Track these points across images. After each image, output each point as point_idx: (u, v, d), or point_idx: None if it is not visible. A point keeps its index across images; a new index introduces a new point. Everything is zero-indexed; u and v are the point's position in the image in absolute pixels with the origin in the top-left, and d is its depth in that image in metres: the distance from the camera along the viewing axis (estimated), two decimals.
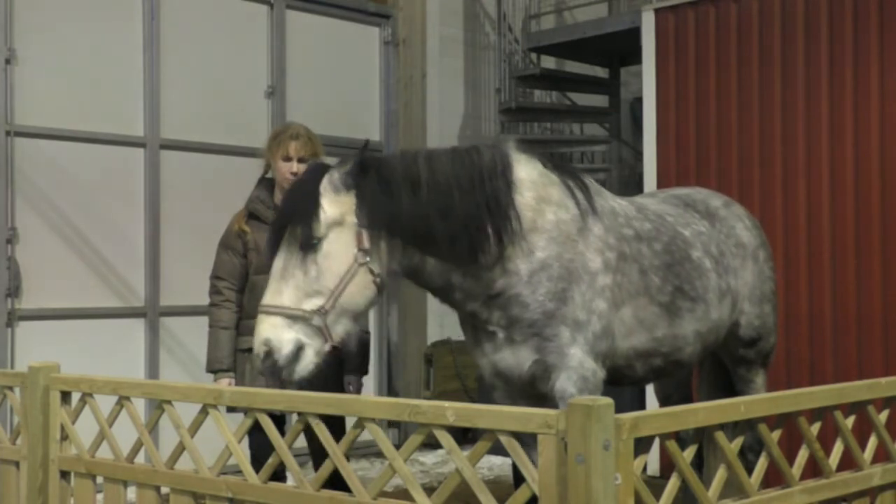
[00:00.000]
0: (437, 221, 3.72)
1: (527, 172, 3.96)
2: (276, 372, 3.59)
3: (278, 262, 3.66)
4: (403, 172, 3.77)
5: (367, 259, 3.66)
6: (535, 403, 3.87)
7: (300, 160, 4.86)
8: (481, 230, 3.76)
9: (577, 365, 3.85)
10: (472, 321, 4.02)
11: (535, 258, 3.87)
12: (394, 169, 3.78)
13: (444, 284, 3.87)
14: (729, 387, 4.94)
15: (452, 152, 3.92)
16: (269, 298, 3.63)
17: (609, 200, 4.23)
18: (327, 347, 3.65)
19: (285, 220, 3.70)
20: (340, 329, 3.67)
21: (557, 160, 4.37)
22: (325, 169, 3.79)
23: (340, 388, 4.78)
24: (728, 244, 4.66)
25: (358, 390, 4.82)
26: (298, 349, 3.59)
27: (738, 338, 4.73)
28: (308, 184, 3.75)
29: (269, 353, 3.58)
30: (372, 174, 3.72)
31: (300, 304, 3.59)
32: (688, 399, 5.06)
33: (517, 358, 3.93)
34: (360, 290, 3.67)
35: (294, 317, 3.58)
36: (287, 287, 3.61)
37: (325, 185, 3.69)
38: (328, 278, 3.62)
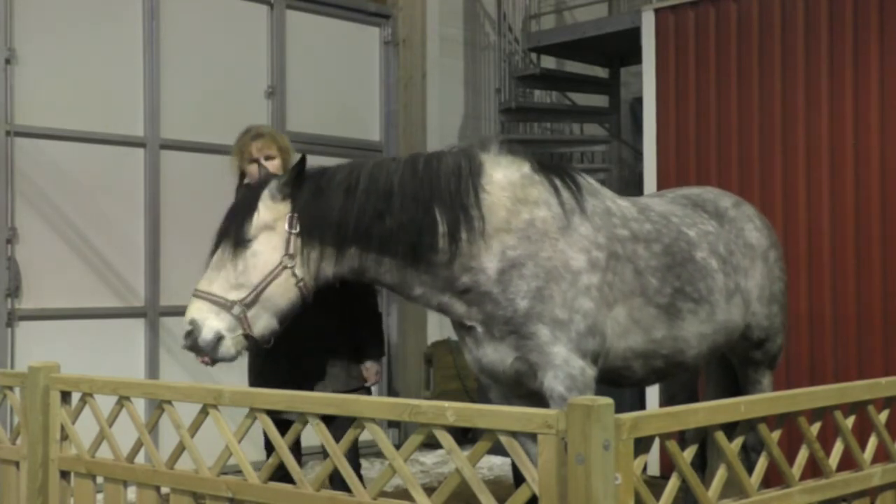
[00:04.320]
0: (373, 222, 3.89)
1: (505, 174, 4.04)
2: (194, 350, 3.92)
3: (217, 256, 3.99)
4: (339, 180, 3.98)
5: (292, 264, 3.90)
6: (529, 403, 3.88)
7: (267, 158, 4.71)
8: (427, 229, 3.88)
9: (562, 363, 3.87)
10: (450, 317, 4.13)
11: (506, 257, 3.92)
12: (330, 178, 4.00)
13: (400, 281, 4.00)
14: (735, 388, 4.91)
15: (411, 160, 4.07)
16: (201, 284, 3.96)
17: (606, 201, 4.22)
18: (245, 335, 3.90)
19: (227, 219, 4.02)
20: (262, 324, 3.92)
21: (555, 161, 4.40)
22: (273, 179, 4.08)
23: (358, 373, 4.74)
24: (737, 244, 4.64)
25: (377, 374, 4.79)
26: (218, 339, 3.87)
27: (747, 338, 4.71)
28: (252, 189, 4.11)
29: (191, 333, 3.89)
30: (308, 184, 3.97)
31: (226, 294, 3.89)
32: (693, 400, 5.01)
33: (499, 354, 3.99)
34: (282, 290, 3.92)
35: (218, 304, 3.88)
36: (218, 277, 3.93)
37: (265, 192, 4.00)
38: (253, 274, 3.90)
